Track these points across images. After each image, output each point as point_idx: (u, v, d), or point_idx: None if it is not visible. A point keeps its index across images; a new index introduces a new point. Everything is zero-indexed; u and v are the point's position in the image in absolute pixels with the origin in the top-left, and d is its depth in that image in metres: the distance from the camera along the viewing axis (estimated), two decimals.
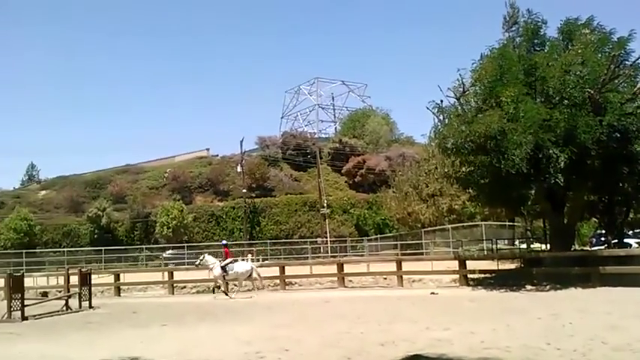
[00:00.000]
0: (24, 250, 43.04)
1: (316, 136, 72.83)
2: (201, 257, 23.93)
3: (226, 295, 22.17)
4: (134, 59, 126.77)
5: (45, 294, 24.42)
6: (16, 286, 16.96)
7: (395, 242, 38.17)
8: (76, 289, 19.98)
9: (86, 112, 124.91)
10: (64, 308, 18.80)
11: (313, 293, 22.38)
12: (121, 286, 26.47)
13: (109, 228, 50.33)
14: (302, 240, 44.52)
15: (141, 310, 18.04)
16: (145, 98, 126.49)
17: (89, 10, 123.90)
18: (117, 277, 27.16)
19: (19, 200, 58.57)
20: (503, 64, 19.35)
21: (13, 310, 16.51)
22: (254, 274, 22.72)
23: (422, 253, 32.54)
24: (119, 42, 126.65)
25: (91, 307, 19.30)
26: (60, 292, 23.15)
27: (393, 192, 43.25)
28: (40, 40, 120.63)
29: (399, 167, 47.14)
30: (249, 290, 22.93)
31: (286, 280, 25.16)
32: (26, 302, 17.13)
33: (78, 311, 18.57)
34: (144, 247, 44.50)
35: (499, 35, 21.87)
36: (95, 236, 49.59)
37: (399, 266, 23.68)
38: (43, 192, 63.05)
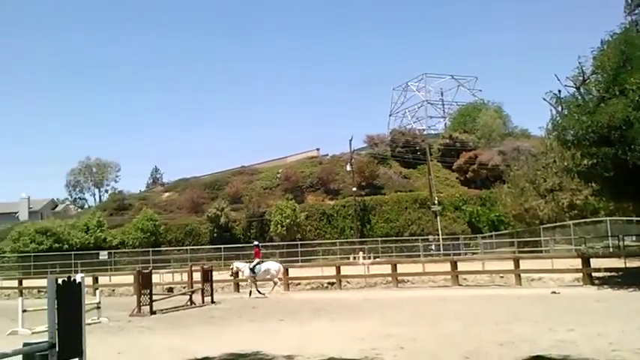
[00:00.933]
0: (150, 249, 45.99)
1: (425, 132, 71.60)
2: (231, 267, 25.05)
3: (260, 293, 22.77)
4: (248, 63, 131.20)
5: (170, 290, 25.91)
6: (144, 282, 18.13)
7: (511, 240, 36.82)
8: (199, 285, 21.02)
9: (204, 118, 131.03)
10: (189, 303, 19.87)
11: (427, 291, 22.10)
12: (240, 283, 27.54)
13: (227, 227, 52.43)
14: (413, 238, 44.02)
15: (259, 306, 18.68)
16: (257, 100, 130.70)
17: (209, 15, 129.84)
18: (236, 274, 28.28)
19: (145, 202, 62.59)
20: (627, 50, 18.05)
21: (143, 304, 17.63)
22: (280, 274, 23.99)
23: (541, 251, 31.18)
24: (238, 45, 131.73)
25: (213, 302, 20.25)
26: (184, 287, 24.49)
27: (508, 187, 41.70)
28: (161, 48, 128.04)
29: (514, 162, 45.35)
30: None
31: (398, 277, 25.04)
32: (154, 297, 18.26)
33: (201, 306, 19.55)
34: (260, 244, 46.03)
35: (620, 19, 20.41)
36: (214, 235, 51.89)
37: (517, 264, 22.82)
38: (167, 194, 66.89)
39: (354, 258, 37.59)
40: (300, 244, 42.74)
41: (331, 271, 27.06)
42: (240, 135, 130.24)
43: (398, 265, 26.09)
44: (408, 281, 25.18)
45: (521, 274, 22.47)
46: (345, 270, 26.93)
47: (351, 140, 52.14)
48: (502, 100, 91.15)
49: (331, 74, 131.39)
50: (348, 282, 26.04)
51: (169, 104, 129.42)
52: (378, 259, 32.74)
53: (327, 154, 67.77)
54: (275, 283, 24.01)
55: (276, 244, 45.60)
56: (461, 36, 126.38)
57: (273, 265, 24.19)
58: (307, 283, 26.74)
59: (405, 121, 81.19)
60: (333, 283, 26.05)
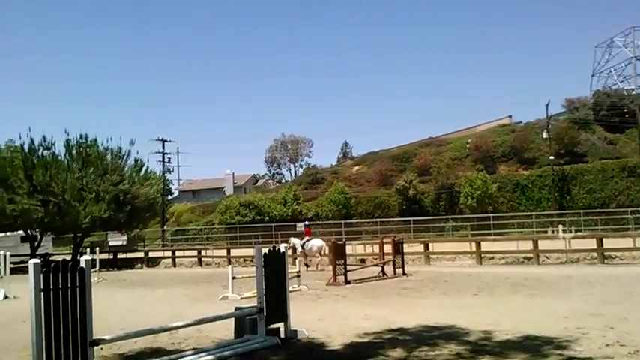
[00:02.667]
0: (342, 221, 47.66)
1: (634, 92, 64.57)
2: (289, 244, 24.64)
3: (307, 267, 24.10)
4: (434, 28, 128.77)
5: (362, 260, 26.64)
6: (339, 253, 18.83)
7: None
8: (390, 257, 21.33)
9: (391, 90, 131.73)
10: (380, 274, 20.26)
11: (638, 269, 20.08)
12: (431, 255, 27.46)
13: (415, 199, 52.43)
14: (621, 210, 40.13)
15: (451, 279, 18.45)
16: (443, 69, 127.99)
17: None
18: (426, 246, 28.23)
19: (336, 176, 64.92)
20: None
21: (338, 274, 18.34)
22: (324, 251, 25.11)
23: None
24: (421, 13, 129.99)
25: (404, 273, 20.43)
26: (375, 259, 25.04)
27: None
28: (350, 22, 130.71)
29: None
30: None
31: (605, 253, 23.10)
32: (348, 268, 18.90)
33: (392, 277, 19.80)
34: (449, 217, 45.41)
35: None
36: (403, 207, 52.23)
37: None
38: (356, 167, 68.66)
39: (553, 232, 35.41)
40: (492, 216, 41.27)
41: (527, 245, 25.82)
42: (428, 106, 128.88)
43: (604, 240, 24.06)
44: (616, 257, 23.14)
45: None
46: (542, 244, 25.52)
47: (547, 105, 48.80)
48: None
49: (523, 35, 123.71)
50: (546, 257, 24.65)
51: (357, 79, 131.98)
52: (580, 233, 30.42)
53: (521, 122, 64.46)
54: (319, 259, 25.45)
55: (466, 216, 44.59)
56: None
57: (317, 242, 25.77)
58: (501, 257, 25.81)
59: (610, 81, 73.90)
60: (529, 258, 24.84)
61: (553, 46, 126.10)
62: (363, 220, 49.88)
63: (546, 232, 37.18)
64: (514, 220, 41.40)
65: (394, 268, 20.65)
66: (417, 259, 26.96)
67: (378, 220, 48.34)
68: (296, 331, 8.72)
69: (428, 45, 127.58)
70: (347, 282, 18.03)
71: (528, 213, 43.58)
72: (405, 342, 8.21)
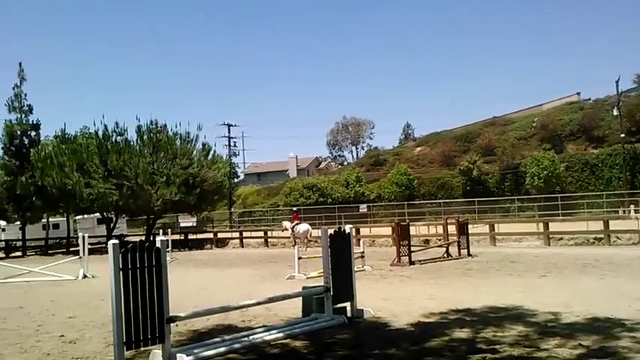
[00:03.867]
0: (405, 202, 47.43)
1: None
2: (283, 225, 32.30)
3: (293, 246, 25.97)
4: (504, 7, 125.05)
5: (426, 241, 26.58)
6: (403, 234, 18.87)
7: None
8: (455, 238, 21.19)
9: (452, 68, 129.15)
10: (445, 255, 20.18)
11: None
12: (496, 236, 27.07)
13: (479, 180, 51.58)
14: None
15: (518, 260, 18.19)
16: (509, 47, 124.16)
17: None
18: (492, 227, 27.84)
19: (398, 157, 64.57)
20: None
21: (402, 255, 18.39)
22: (308, 234, 29.32)
23: None
24: None
25: (469, 255, 20.27)
26: (439, 240, 24.94)
27: None
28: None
29: None
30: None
31: None
32: (411, 249, 18.92)
33: (457, 258, 19.70)
34: (515, 198, 44.44)
35: None
36: (467, 188, 51.50)
37: None
38: (418, 148, 68.03)
39: (624, 212, 34.14)
40: (560, 196, 40.06)
41: (598, 225, 25.08)
42: (491, 85, 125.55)
43: None
44: None
45: None
46: (614, 225, 24.72)
47: (617, 81, 46.66)
48: None
49: (592, 9, 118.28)
50: (617, 237, 23.89)
51: (419, 59, 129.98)
52: None
53: (589, 99, 62.09)
54: (307, 240, 29.23)
55: (532, 197, 43.55)
56: None
57: (303, 226, 29.89)
58: (570, 238, 25.19)
59: None
60: (600, 239, 24.14)
61: (623, 21, 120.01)
62: (426, 202, 49.47)
63: (617, 212, 35.92)
64: (583, 201, 40.02)
65: (459, 249, 20.52)
66: (482, 241, 26.64)
67: (441, 201, 47.81)
68: (362, 310, 8.90)
69: (491, 24, 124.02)
70: (411, 263, 18.08)
71: (598, 193, 42.02)
72: (472, 323, 8.25)
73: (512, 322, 8.19)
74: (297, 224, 30.12)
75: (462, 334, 7.56)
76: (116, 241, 6.46)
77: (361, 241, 19.51)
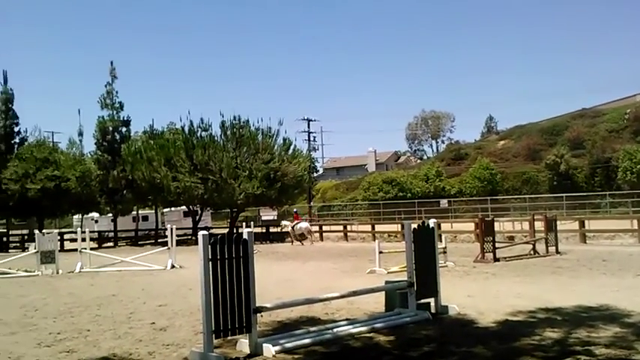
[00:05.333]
0: (488, 197, 46.27)
1: None
2: (282, 224, 36.50)
3: (292, 242, 32.93)
4: None
5: (511, 238, 25.76)
6: (487, 230, 18.36)
7: None
8: (542, 235, 20.42)
9: (533, 62, 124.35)
10: (531, 252, 19.49)
11: None
12: (586, 233, 25.88)
13: (567, 175, 49.59)
14: None
15: (611, 259, 17.30)
16: (592, 35, 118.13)
17: None
18: (581, 224, 26.63)
19: (480, 151, 63.03)
20: None
21: (486, 251, 17.91)
22: (306, 232, 32.66)
23: None
24: None
25: (557, 252, 19.48)
26: (525, 236, 24.09)
27: None
28: None
29: None
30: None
31: None
32: (496, 245, 18.38)
33: (545, 256, 18.99)
34: (606, 193, 42.34)
35: None
36: (554, 183, 49.64)
37: None
38: (502, 142, 66.14)
39: None
40: None
41: None
42: (579, 76, 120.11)
43: None
44: None
45: None
46: None
47: None
48: None
49: None
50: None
51: (501, 51, 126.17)
52: None
53: None
54: (306, 237, 32.35)
55: (625, 192, 41.31)
56: None
57: (302, 225, 33.55)
58: None
59: None
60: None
61: None
62: (510, 197, 48.09)
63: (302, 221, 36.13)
64: None
65: (547, 247, 19.77)
66: (570, 238, 25.53)
67: (527, 196, 46.33)
68: (447, 306, 8.73)
69: (578, 13, 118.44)
70: (495, 259, 17.57)
71: None
72: (562, 322, 7.91)
73: (606, 322, 7.79)
74: (297, 223, 33.80)
75: (553, 333, 7.26)
76: (205, 232, 6.64)
77: (442, 237, 19.15)
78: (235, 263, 6.54)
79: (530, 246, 20.00)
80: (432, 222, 8.93)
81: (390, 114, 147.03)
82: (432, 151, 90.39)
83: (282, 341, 6.89)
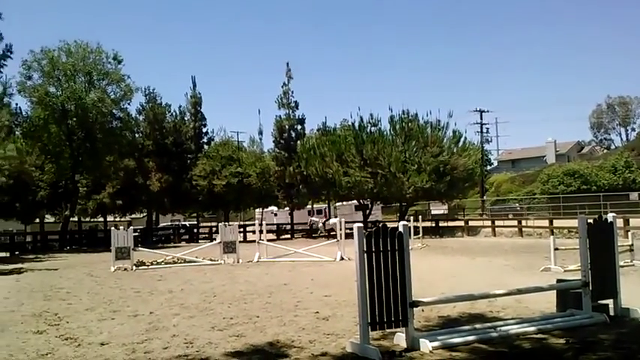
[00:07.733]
0: None
1: None
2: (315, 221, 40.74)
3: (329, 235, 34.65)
4: None
5: None
6: None
7: None
8: None
9: None
10: None
11: None
12: None
13: None
14: None
15: None
16: None
17: None
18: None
19: None
20: None
21: None
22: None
23: None
24: None
25: None
26: None
27: None
28: None
29: None
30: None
31: None
32: None
33: None
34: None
35: None
36: None
37: None
38: None
39: None
40: None
41: None
42: None
43: None
44: None
45: None
46: None
47: None
48: None
49: None
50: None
51: None
52: None
53: None
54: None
55: None
56: None
57: (332, 220, 33.56)
58: None
59: None
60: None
61: None
62: None
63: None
64: None
65: None
66: None
67: None
68: (628, 309, 7.86)
69: None
70: None
71: None
72: None
73: None
74: (327, 220, 37.92)
75: None
76: (360, 224, 6.66)
77: (629, 233, 17.35)
78: (391, 256, 6.47)
79: None
80: (610, 216, 8.11)
81: (570, 101, 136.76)
82: (621, 140, 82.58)
83: (441, 337, 6.69)
